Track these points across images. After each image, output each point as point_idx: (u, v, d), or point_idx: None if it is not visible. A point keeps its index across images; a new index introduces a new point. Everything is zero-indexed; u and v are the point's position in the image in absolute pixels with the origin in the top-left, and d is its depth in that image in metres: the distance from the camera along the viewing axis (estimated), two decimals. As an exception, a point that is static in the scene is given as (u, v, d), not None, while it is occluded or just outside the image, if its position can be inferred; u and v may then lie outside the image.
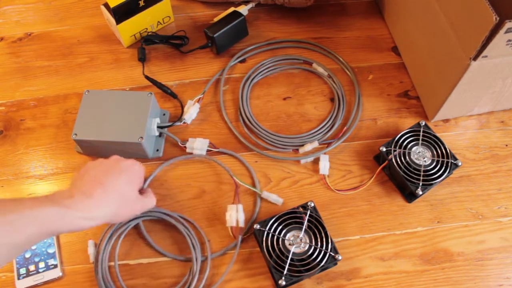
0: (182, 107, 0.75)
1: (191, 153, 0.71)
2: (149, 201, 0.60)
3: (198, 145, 0.71)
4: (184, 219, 0.66)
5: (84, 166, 0.56)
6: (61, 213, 0.47)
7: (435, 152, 0.68)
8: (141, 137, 0.65)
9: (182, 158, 0.71)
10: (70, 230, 0.49)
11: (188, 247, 0.64)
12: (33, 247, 0.64)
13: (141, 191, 0.60)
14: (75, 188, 0.51)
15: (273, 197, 0.68)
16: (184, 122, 0.74)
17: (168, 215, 0.66)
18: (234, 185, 0.69)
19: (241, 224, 0.65)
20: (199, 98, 0.76)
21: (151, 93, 0.69)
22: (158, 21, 0.84)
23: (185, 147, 0.72)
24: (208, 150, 0.72)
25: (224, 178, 0.70)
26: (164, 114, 0.75)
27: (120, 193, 0.53)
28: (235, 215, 0.65)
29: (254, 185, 0.69)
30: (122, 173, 0.55)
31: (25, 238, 0.45)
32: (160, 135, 0.73)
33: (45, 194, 0.50)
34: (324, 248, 0.60)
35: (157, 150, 0.72)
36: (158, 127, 0.70)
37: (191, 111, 0.74)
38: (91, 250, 0.64)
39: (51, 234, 0.48)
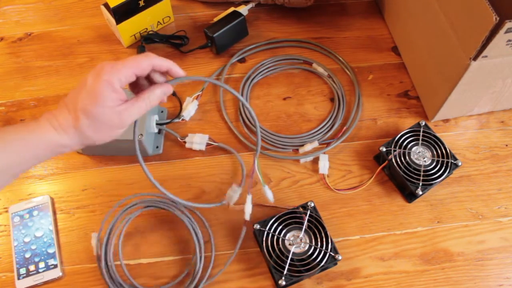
0: (181, 104, 0.75)
1: (190, 148, 0.72)
2: (136, 108, 0.48)
3: (197, 140, 0.71)
4: (187, 208, 0.66)
5: None
6: (23, 137, 0.46)
7: (435, 152, 0.68)
8: (141, 134, 0.65)
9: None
10: (37, 154, 0.46)
11: (188, 245, 0.64)
12: (33, 247, 0.64)
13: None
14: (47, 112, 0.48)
15: (269, 194, 0.64)
16: (183, 119, 0.74)
17: (169, 204, 0.66)
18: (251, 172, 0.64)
19: (247, 217, 0.62)
20: (198, 95, 0.76)
21: None
22: (158, 21, 0.84)
23: (184, 142, 0.72)
24: (208, 145, 0.72)
25: (224, 178, 0.70)
26: (162, 112, 0.75)
27: (82, 111, 0.45)
28: (236, 198, 0.62)
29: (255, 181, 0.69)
30: (86, 85, 0.46)
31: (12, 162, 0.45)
32: (159, 132, 0.73)
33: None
34: (324, 248, 0.60)
35: (157, 147, 0.72)
36: (157, 124, 0.70)
37: (190, 108, 0.74)
38: (94, 242, 0.63)
39: (22, 159, 0.46)
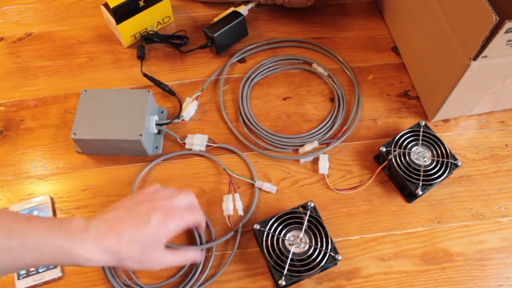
0: (181, 105, 0.76)
1: (190, 149, 0.72)
2: (172, 259, 0.53)
3: (197, 141, 0.71)
4: None
5: (127, 196, 0.53)
6: (65, 249, 0.45)
7: (435, 152, 0.68)
8: (140, 135, 0.65)
9: (178, 153, 0.72)
10: (67, 264, 0.47)
11: (190, 242, 0.64)
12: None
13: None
14: (96, 221, 0.48)
15: (267, 186, 0.68)
16: (183, 119, 0.74)
17: None
18: (229, 178, 0.69)
19: (240, 212, 0.66)
20: (198, 95, 0.76)
21: (148, 90, 0.69)
22: (158, 21, 0.84)
23: (184, 143, 0.72)
24: (207, 146, 0.72)
25: (224, 178, 0.70)
26: (162, 112, 0.75)
27: (137, 246, 0.48)
28: (231, 205, 0.66)
29: (252, 178, 0.69)
30: (150, 226, 0.49)
31: (19, 265, 0.44)
32: (159, 132, 0.73)
33: (64, 218, 0.48)
34: (324, 248, 0.60)
35: (156, 148, 0.72)
36: (156, 124, 0.70)
37: (189, 109, 0.74)
38: None
39: (46, 264, 0.46)
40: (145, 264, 0.50)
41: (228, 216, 0.66)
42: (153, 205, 0.50)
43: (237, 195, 0.67)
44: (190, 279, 0.62)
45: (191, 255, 0.56)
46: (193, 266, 0.63)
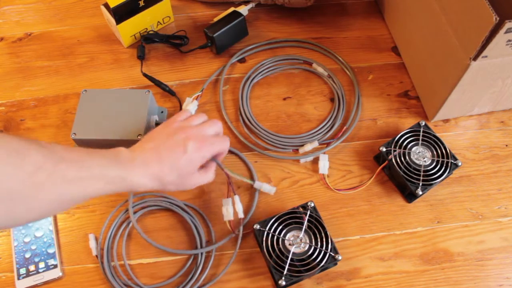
0: (181, 105, 0.76)
1: None
2: (205, 178, 0.58)
3: None
4: (188, 206, 0.67)
5: (158, 126, 0.58)
6: (122, 177, 0.50)
7: (435, 152, 0.68)
8: (140, 135, 0.65)
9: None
10: (125, 190, 0.51)
11: (189, 245, 0.64)
12: (33, 247, 0.64)
13: (204, 165, 0.58)
14: (139, 151, 0.53)
15: (266, 187, 0.68)
16: None
17: (172, 203, 0.67)
18: (227, 178, 0.66)
19: (241, 215, 0.64)
20: (198, 95, 0.76)
21: (148, 90, 0.69)
22: (158, 21, 0.84)
23: None
24: None
25: (223, 178, 0.70)
26: (162, 112, 0.75)
27: (176, 171, 0.53)
28: (231, 209, 0.64)
29: (252, 178, 0.69)
30: (186, 153, 0.53)
31: (87, 195, 0.48)
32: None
33: (113, 150, 0.52)
34: (324, 248, 0.60)
35: None
36: (156, 124, 0.70)
37: (190, 108, 0.74)
38: (92, 244, 0.64)
39: (107, 192, 0.50)
40: (183, 186, 0.56)
41: (229, 222, 0.64)
42: (186, 133, 0.55)
43: (236, 198, 0.64)
44: (190, 279, 0.62)
45: (210, 176, 0.59)
46: (193, 266, 0.63)
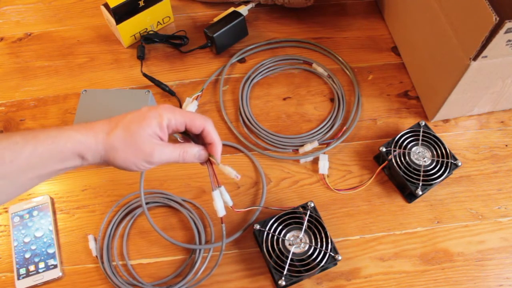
0: (181, 105, 0.76)
1: None
2: (167, 150, 0.48)
3: None
4: (186, 201, 0.68)
5: None
6: (70, 135, 0.45)
7: (435, 152, 0.68)
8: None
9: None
10: (71, 152, 0.46)
11: (189, 239, 0.64)
12: (33, 247, 0.64)
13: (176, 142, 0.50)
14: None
15: (228, 169, 0.54)
16: None
17: (170, 199, 0.67)
18: (209, 168, 0.55)
19: (230, 203, 0.55)
20: (198, 95, 0.76)
21: (148, 91, 0.69)
22: (158, 21, 0.84)
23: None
24: None
25: (223, 178, 0.70)
26: (163, 113, 0.75)
27: (122, 125, 0.47)
28: (221, 202, 0.55)
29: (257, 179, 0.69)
30: (140, 111, 0.47)
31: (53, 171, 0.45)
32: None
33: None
34: (324, 248, 0.60)
35: None
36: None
37: (189, 109, 0.74)
38: (92, 245, 0.64)
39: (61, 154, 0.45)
40: (136, 149, 0.47)
41: (222, 219, 0.56)
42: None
43: (222, 188, 0.54)
44: (186, 276, 0.62)
45: (194, 149, 0.51)
46: (191, 265, 0.63)
